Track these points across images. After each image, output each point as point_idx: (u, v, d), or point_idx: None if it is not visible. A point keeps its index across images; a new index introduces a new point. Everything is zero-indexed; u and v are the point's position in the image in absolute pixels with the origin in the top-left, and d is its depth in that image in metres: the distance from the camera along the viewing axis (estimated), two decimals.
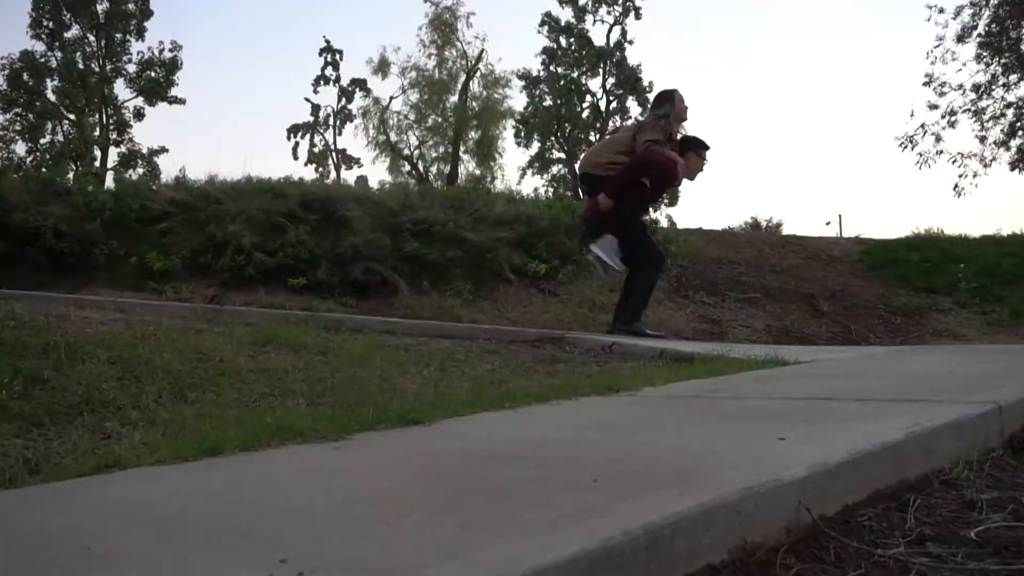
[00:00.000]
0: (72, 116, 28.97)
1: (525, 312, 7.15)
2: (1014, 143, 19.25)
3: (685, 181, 6.12)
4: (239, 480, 1.63)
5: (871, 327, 7.09)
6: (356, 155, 36.92)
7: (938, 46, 19.29)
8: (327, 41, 35.54)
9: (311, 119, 35.79)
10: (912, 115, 22.06)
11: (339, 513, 1.27)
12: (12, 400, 2.81)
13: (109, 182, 19.79)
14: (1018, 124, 19.07)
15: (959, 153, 19.41)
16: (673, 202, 33.68)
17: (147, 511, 1.39)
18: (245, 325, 5.02)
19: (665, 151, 5.80)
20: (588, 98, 33.92)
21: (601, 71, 33.37)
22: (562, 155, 34.19)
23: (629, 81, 32.97)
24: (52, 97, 28.75)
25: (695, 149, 6.00)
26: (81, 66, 29.05)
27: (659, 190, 6.11)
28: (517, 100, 39.03)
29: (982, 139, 19.36)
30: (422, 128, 31.02)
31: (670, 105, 5.98)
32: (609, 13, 33.02)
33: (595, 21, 33.28)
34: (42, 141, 28.89)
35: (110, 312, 5.18)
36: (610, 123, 33.63)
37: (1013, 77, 18.71)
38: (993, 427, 1.89)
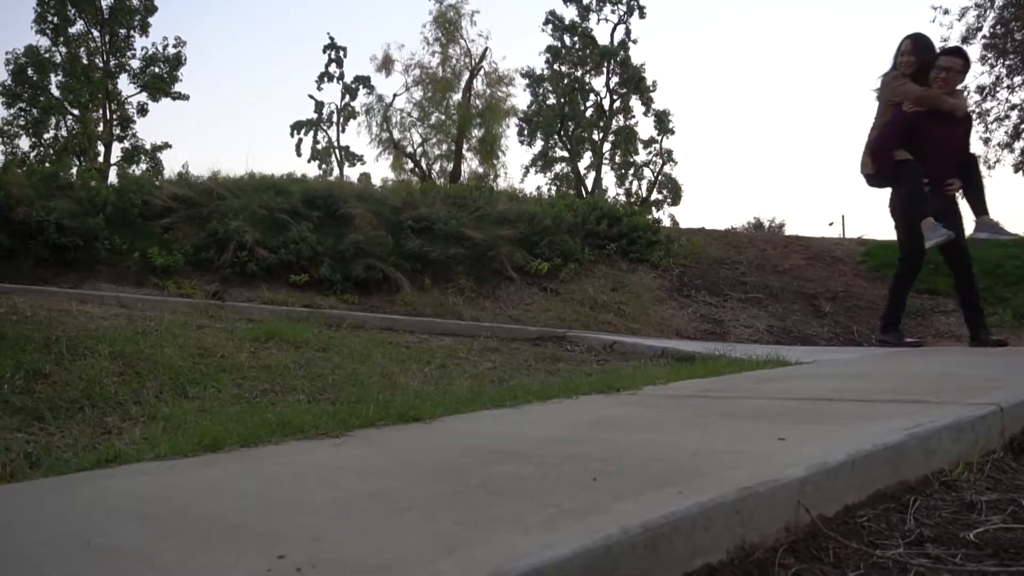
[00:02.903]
0: (76, 111, 28.94)
1: (527, 310, 7.15)
2: (1018, 145, 19.21)
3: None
4: (239, 476, 1.63)
5: (873, 328, 7.06)
6: (359, 152, 36.88)
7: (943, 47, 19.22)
8: (331, 38, 35.50)
9: (314, 116, 35.76)
10: None
11: (338, 509, 1.27)
12: (14, 394, 2.82)
13: (112, 177, 19.84)
14: (1022, 126, 19.02)
15: None
16: (676, 201, 33.67)
17: (147, 506, 1.39)
18: (247, 321, 5.03)
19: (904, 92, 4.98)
20: (592, 97, 33.89)
21: (605, 70, 33.33)
22: (565, 153, 34.17)
23: (633, 80, 32.92)
24: (56, 92, 28.73)
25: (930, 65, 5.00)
26: (85, 61, 29.03)
27: (913, 142, 4.95)
28: (521, 98, 39.08)
29: (986, 141, 19.32)
30: (425, 126, 30.99)
31: (892, 67, 5.17)
32: (613, 12, 33.00)
33: (599, 20, 33.28)
34: (46, 136, 28.88)
35: (112, 307, 5.19)
36: (613, 122, 33.60)
37: (1018, 79, 18.68)
38: (994, 429, 1.89)
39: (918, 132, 4.87)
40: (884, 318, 5.30)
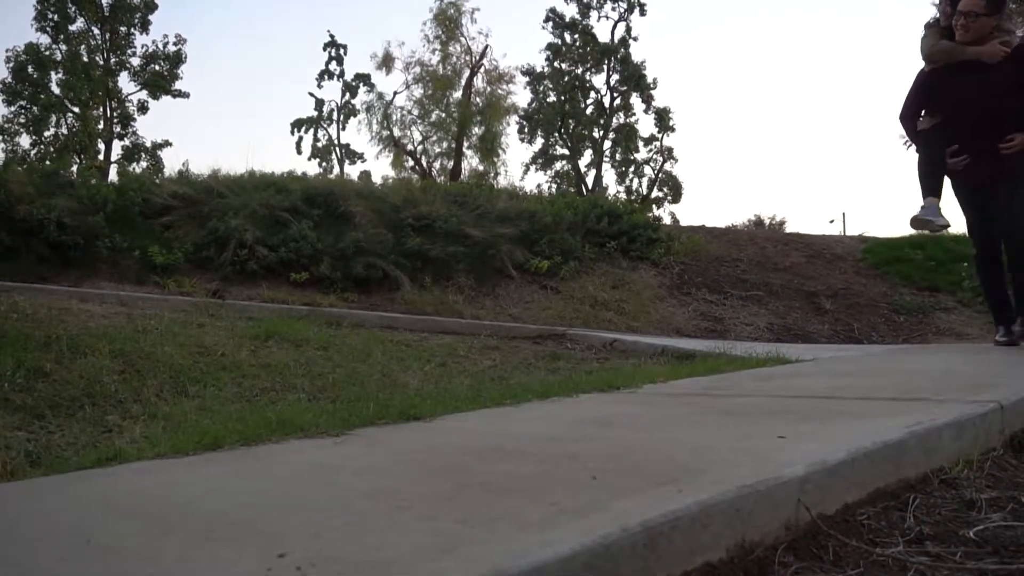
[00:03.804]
0: (76, 109, 28.91)
1: (527, 308, 7.15)
2: None
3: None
4: (239, 474, 1.64)
5: (873, 325, 7.08)
6: (359, 150, 36.74)
7: None
8: (331, 36, 35.44)
9: (315, 114, 35.71)
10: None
11: (338, 507, 1.27)
12: (14, 392, 2.82)
13: (113, 175, 19.82)
14: None
15: None
16: (676, 199, 33.66)
17: (147, 504, 1.39)
18: (247, 319, 5.03)
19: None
20: (592, 94, 33.85)
21: (605, 67, 33.29)
22: (565, 151, 34.15)
23: (633, 78, 32.86)
24: (56, 90, 28.69)
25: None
26: (85, 59, 29.00)
27: (936, 101, 4.25)
28: (521, 96, 39.04)
29: None
30: (426, 123, 30.95)
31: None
32: (614, 9, 32.93)
33: (600, 17, 33.21)
34: (46, 134, 28.84)
35: (112, 305, 5.20)
36: (614, 119, 33.58)
37: None
38: (994, 426, 1.89)
39: (942, 92, 4.17)
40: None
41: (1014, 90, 3.95)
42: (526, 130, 33.68)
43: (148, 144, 30.51)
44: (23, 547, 1.15)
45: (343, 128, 35.90)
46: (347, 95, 35.24)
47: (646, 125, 36.88)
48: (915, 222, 4.16)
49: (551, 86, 33.57)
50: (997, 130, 4.01)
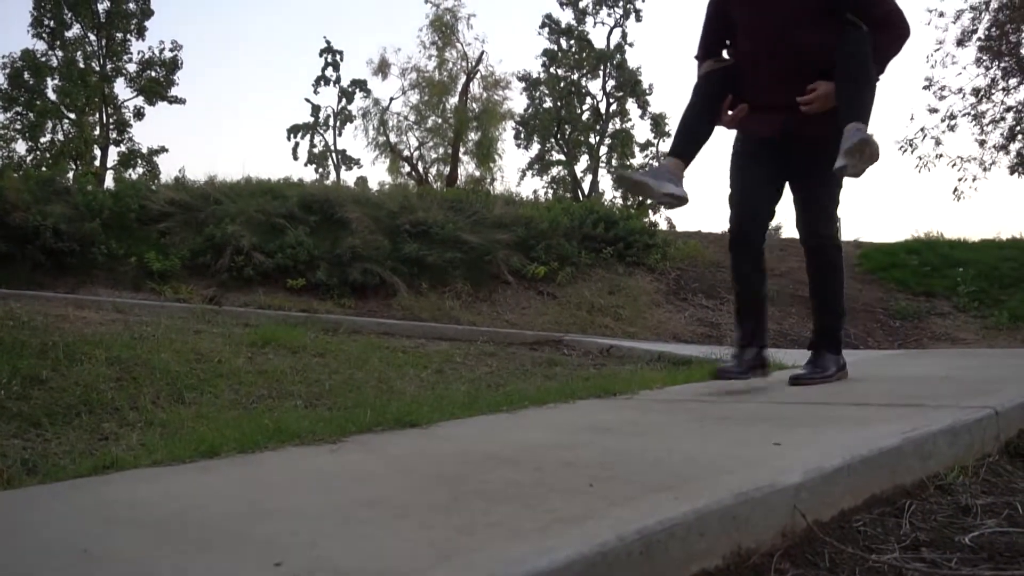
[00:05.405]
0: (72, 115, 28.89)
1: (523, 314, 7.15)
2: (1013, 147, 19.22)
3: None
4: (236, 482, 1.63)
5: (869, 331, 7.09)
6: (356, 156, 36.97)
7: (938, 50, 19.29)
8: (327, 42, 35.43)
9: (311, 120, 35.71)
10: (912, 119, 22.83)
11: (335, 515, 1.27)
12: (10, 400, 2.81)
13: (109, 182, 19.78)
14: (1017, 128, 19.06)
15: (959, 157, 19.37)
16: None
17: (144, 513, 1.39)
18: (244, 326, 5.02)
19: None
20: (588, 100, 33.91)
21: (601, 73, 33.36)
22: (562, 157, 34.19)
23: (629, 83, 32.94)
24: (52, 96, 28.67)
25: None
26: (82, 65, 28.99)
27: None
28: (517, 102, 39.20)
29: (981, 143, 19.30)
30: (422, 129, 30.92)
31: None
32: (610, 15, 33.02)
33: (595, 23, 33.27)
34: (42, 140, 28.81)
35: (109, 312, 5.19)
36: (610, 125, 33.65)
37: (1013, 81, 18.68)
38: (990, 432, 1.89)
39: (733, 22, 3.02)
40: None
41: (816, 16, 2.85)
42: (522, 136, 33.72)
43: (144, 150, 30.48)
44: (19, 557, 1.15)
45: (339, 134, 35.91)
46: (343, 101, 35.26)
47: (642, 131, 36.98)
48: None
49: (547, 92, 33.62)
50: (798, 72, 2.88)
